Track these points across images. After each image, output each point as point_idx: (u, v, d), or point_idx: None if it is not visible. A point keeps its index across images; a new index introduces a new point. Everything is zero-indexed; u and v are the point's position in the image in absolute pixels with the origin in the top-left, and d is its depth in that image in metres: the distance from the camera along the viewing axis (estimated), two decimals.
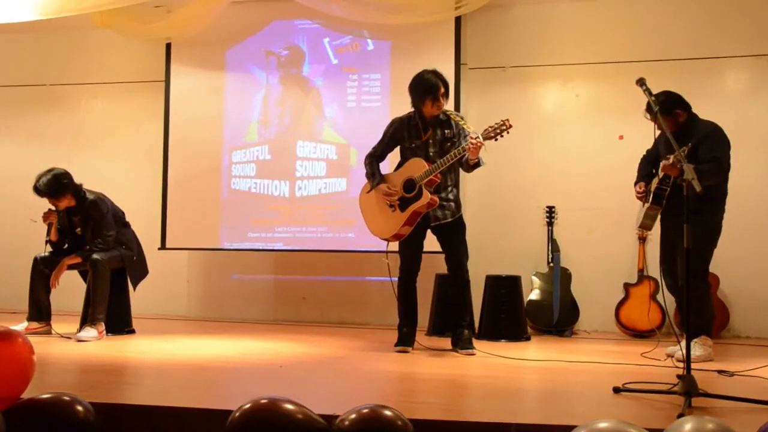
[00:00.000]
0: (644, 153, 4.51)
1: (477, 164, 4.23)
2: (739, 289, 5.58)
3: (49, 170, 4.86)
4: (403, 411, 2.16)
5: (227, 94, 6.37)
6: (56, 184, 4.81)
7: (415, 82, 4.35)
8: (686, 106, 4.22)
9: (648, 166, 4.42)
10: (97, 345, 4.52)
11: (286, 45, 6.29)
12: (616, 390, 2.99)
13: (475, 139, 4.10)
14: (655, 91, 3.39)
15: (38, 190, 4.81)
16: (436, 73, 4.32)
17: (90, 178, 5.20)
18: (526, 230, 6.02)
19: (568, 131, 6.04)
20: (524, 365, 3.99)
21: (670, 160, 3.76)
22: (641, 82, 3.41)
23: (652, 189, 4.18)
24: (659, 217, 4.25)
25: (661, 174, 4.11)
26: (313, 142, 6.16)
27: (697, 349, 4.04)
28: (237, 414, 2.10)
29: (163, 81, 6.45)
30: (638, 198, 4.31)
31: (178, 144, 6.37)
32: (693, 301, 4.19)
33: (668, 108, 4.11)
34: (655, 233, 4.53)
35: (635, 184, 4.38)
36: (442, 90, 4.29)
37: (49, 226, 4.99)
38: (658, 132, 3.85)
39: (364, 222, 4.58)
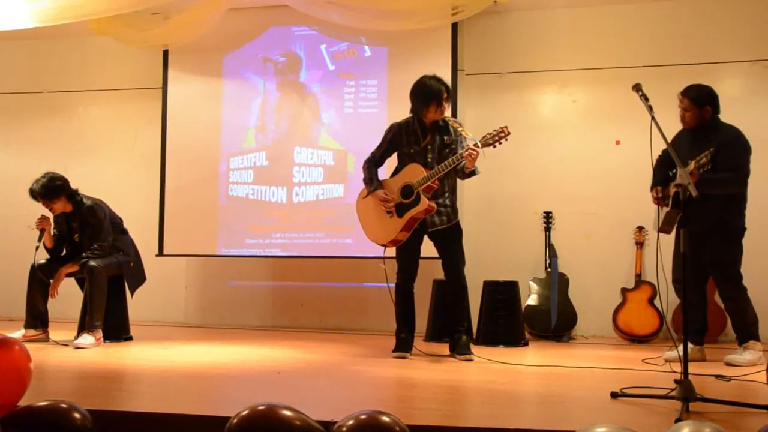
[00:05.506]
0: (659, 154, 4.27)
1: (472, 173, 4.24)
2: None
3: (44, 174, 4.89)
4: (401, 417, 2.16)
5: (224, 100, 6.38)
6: (49, 186, 4.83)
7: (418, 88, 4.33)
8: (715, 106, 4.20)
9: (663, 168, 4.26)
10: (95, 352, 4.52)
11: (283, 51, 6.30)
12: (614, 395, 2.98)
13: (474, 145, 4.11)
14: (651, 97, 3.37)
15: (32, 191, 4.84)
16: (437, 79, 4.32)
17: (87, 185, 5.21)
18: (524, 236, 6.02)
19: (565, 137, 6.06)
20: (522, 370, 3.99)
21: (691, 166, 3.71)
22: (637, 87, 3.40)
23: (671, 192, 4.11)
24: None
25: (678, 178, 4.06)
26: (310, 148, 6.17)
27: (747, 354, 4.06)
28: (235, 420, 2.10)
29: (161, 88, 6.46)
30: (655, 203, 4.20)
31: (175, 151, 6.38)
32: (735, 309, 4.19)
33: (701, 102, 4.14)
34: (654, 236, 4.51)
35: (651, 188, 4.26)
36: (445, 95, 4.30)
37: (42, 231, 4.96)
38: (657, 135, 3.82)
39: (361, 228, 4.59)
